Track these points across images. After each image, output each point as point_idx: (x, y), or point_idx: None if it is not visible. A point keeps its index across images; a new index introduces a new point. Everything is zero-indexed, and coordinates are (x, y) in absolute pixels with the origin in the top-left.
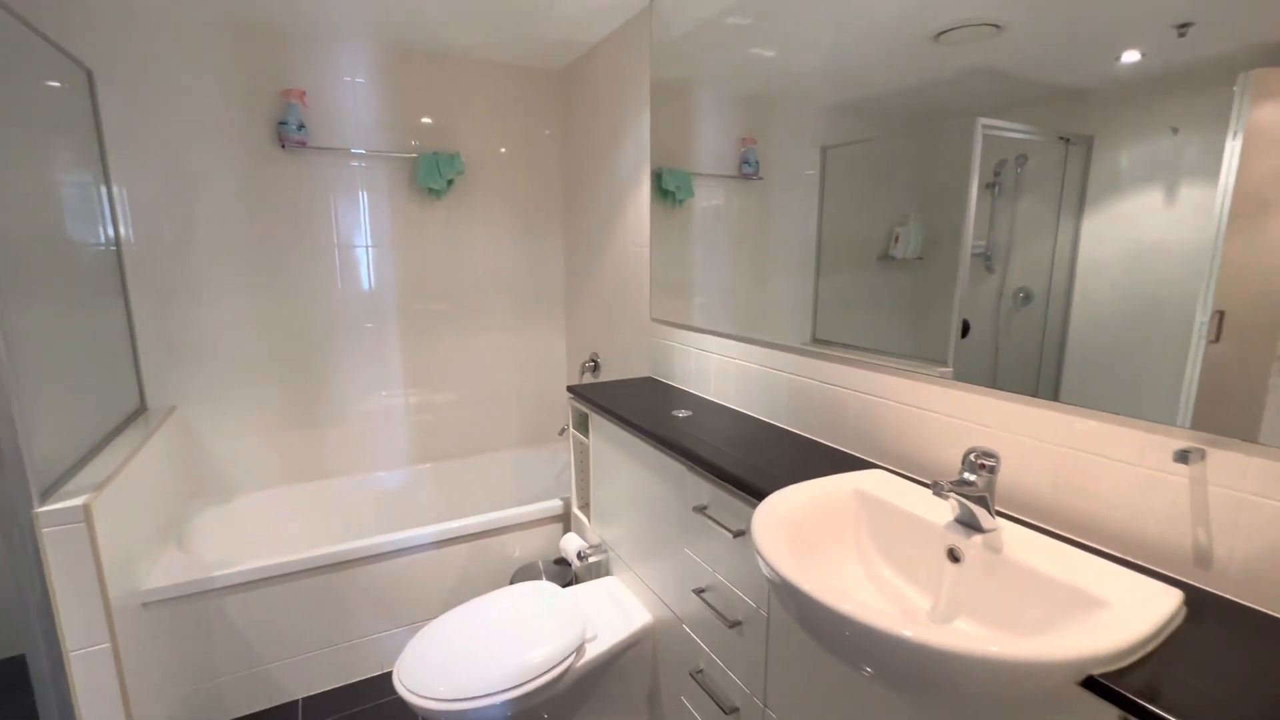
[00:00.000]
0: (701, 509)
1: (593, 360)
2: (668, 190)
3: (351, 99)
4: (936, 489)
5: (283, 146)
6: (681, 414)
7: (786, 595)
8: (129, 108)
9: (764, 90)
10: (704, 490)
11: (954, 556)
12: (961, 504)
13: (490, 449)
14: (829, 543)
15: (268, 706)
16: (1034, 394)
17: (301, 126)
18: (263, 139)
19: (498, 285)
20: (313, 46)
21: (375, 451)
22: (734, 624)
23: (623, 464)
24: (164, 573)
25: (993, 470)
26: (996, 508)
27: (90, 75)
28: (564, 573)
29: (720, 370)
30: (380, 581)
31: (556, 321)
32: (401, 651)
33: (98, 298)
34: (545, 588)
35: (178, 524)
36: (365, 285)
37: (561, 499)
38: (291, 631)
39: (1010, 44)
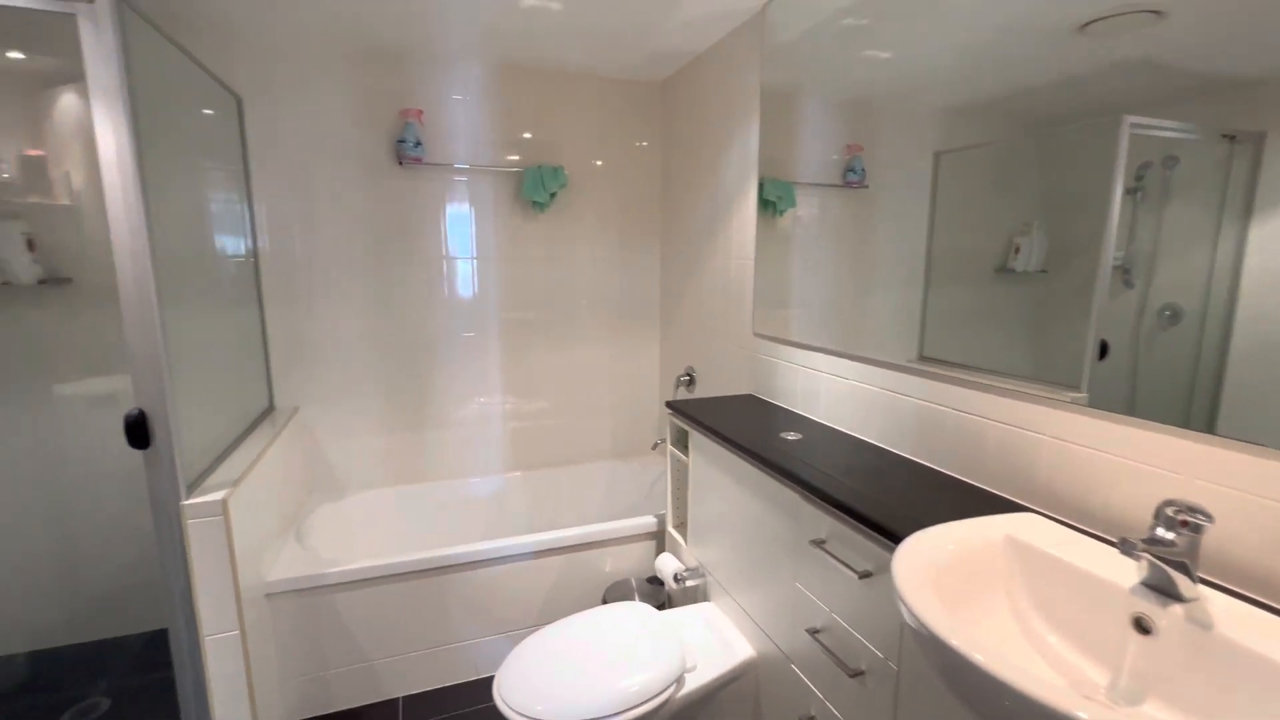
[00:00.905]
0: (819, 543)
1: (688, 375)
2: (768, 200)
3: (462, 116)
4: (1125, 548)
5: (400, 163)
6: (791, 436)
7: (935, 652)
8: (269, 131)
9: (874, 95)
10: (822, 523)
11: (1143, 627)
12: (1155, 566)
13: (582, 460)
14: (976, 595)
15: (371, 702)
16: (1184, 425)
17: (418, 144)
18: (382, 157)
19: (594, 297)
20: (429, 68)
21: (471, 457)
22: (855, 673)
23: (725, 485)
24: (285, 565)
25: (1198, 529)
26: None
27: (240, 102)
28: (657, 593)
29: (831, 390)
30: (478, 588)
31: (651, 334)
32: (501, 663)
33: (239, 306)
34: (641, 609)
35: (297, 518)
36: (468, 295)
37: (656, 516)
38: (395, 630)
39: (1171, 32)
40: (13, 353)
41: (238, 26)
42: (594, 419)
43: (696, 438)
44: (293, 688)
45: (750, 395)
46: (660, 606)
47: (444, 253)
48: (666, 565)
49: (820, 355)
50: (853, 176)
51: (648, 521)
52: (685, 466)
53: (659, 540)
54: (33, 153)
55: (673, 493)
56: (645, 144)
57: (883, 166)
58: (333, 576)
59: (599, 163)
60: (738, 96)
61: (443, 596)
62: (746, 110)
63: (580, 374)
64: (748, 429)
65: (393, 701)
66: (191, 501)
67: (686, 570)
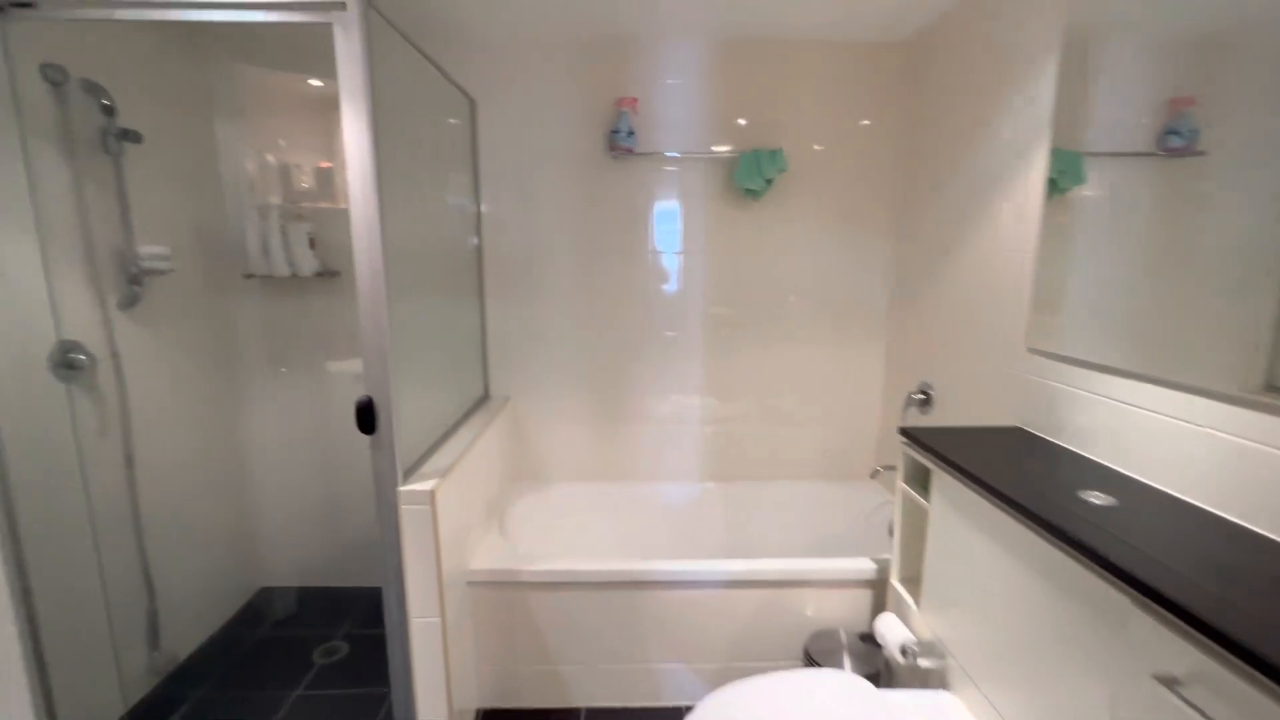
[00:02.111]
0: (1170, 682)
1: (922, 393)
2: (1048, 177)
3: (676, 102)
4: None
5: (612, 155)
6: (1096, 499)
7: None
8: (497, 130)
9: (1232, 23)
10: (1178, 652)
11: None
12: None
13: (785, 476)
14: None
15: (555, 706)
16: None
17: (630, 133)
18: (596, 149)
19: (809, 295)
20: (646, 52)
21: (668, 459)
22: None
23: (985, 549)
24: (487, 555)
25: None
26: None
27: (474, 104)
28: (871, 654)
29: (1155, 434)
30: (667, 609)
31: (875, 340)
32: (692, 715)
33: (463, 299)
34: (857, 686)
35: (502, 504)
36: (672, 290)
37: (875, 562)
38: (582, 637)
39: None
40: (299, 332)
41: (474, 30)
42: (801, 431)
43: (942, 478)
44: (487, 675)
45: (1018, 429)
46: (873, 676)
47: (650, 246)
48: (890, 631)
49: (1137, 384)
50: (1175, 141)
51: (864, 567)
52: (922, 511)
53: (878, 592)
54: (324, 164)
55: (901, 540)
56: (873, 122)
57: (1228, 126)
58: (527, 575)
59: (819, 147)
60: (1022, 44)
61: (631, 611)
62: (1035, 59)
63: (789, 379)
64: (1023, 479)
65: (575, 711)
66: (406, 488)
67: (918, 645)
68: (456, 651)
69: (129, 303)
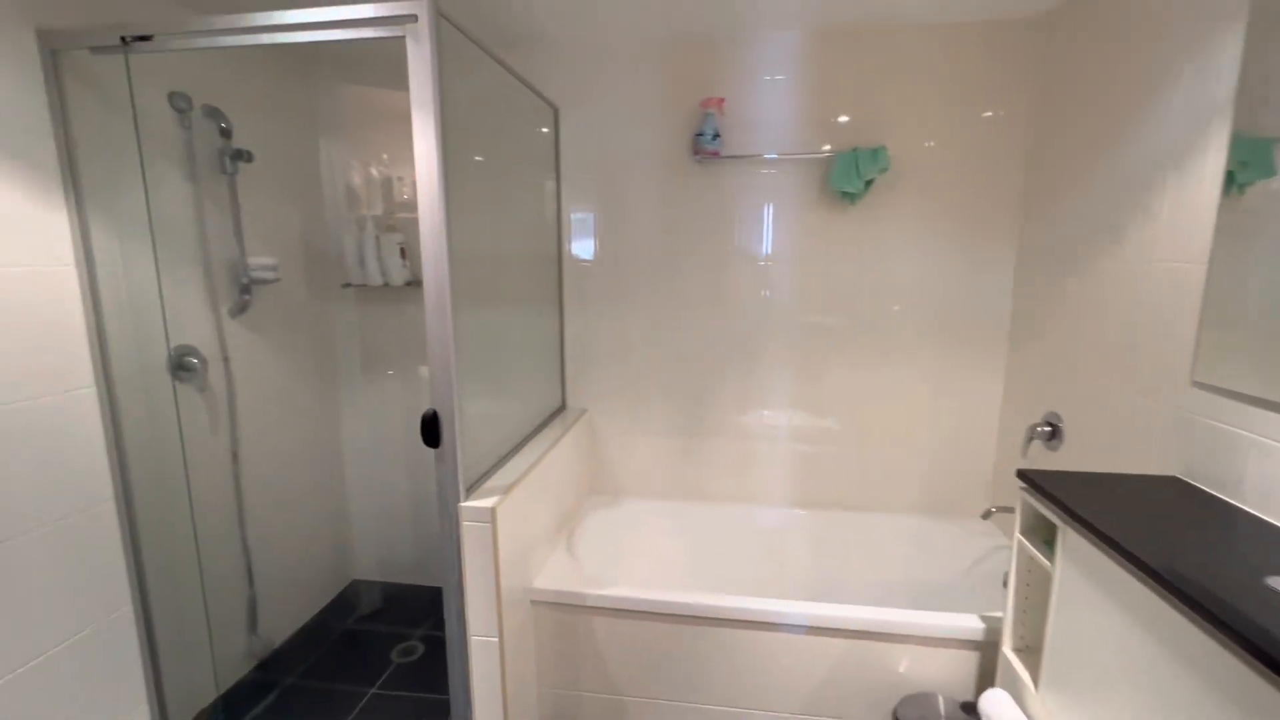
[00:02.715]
0: None
1: (1049, 425)
2: (1225, 169)
3: (766, 101)
4: None
5: (696, 159)
6: None
7: None
8: (580, 137)
9: None
10: None
11: None
12: None
13: (880, 507)
14: None
15: None
16: None
17: (716, 136)
18: (680, 153)
19: (914, 307)
20: (733, 48)
21: (749, 480)
22: None
23: (1129, 634)
24: (552, 573)
25: None
26: None
27: (557, 112)
28: None
29: None
30: (741, 650)
31: (993, 360)
32: None
33: (543, 308)
34: None
35: (573, 518)
36: (760, 297)
37: (984, 620)
38: (647, 670)
39: None
40: (392, 339)
41: (556, 38)
42: (901, 458)
43: (1073, 537)
44: (548, 697)
45: (1176, 480)
46: None
47: (736, 252)
48: (1001, 711)
49: None
50: None
51: (971, 625)
52: (1044, 572)
53: (985, 656)
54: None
55: (1017, 601)
56: (997, 113)
57: None
58: (592, 599)
59: (929, 143)
60: (1196, 7)
61: (701, 648)
62: (1215, 27)
63: (890, 399)
64: (1187, 551)
65: None
66: (467, 504)
67: None
68: (515, 671)
69: (239, 310)
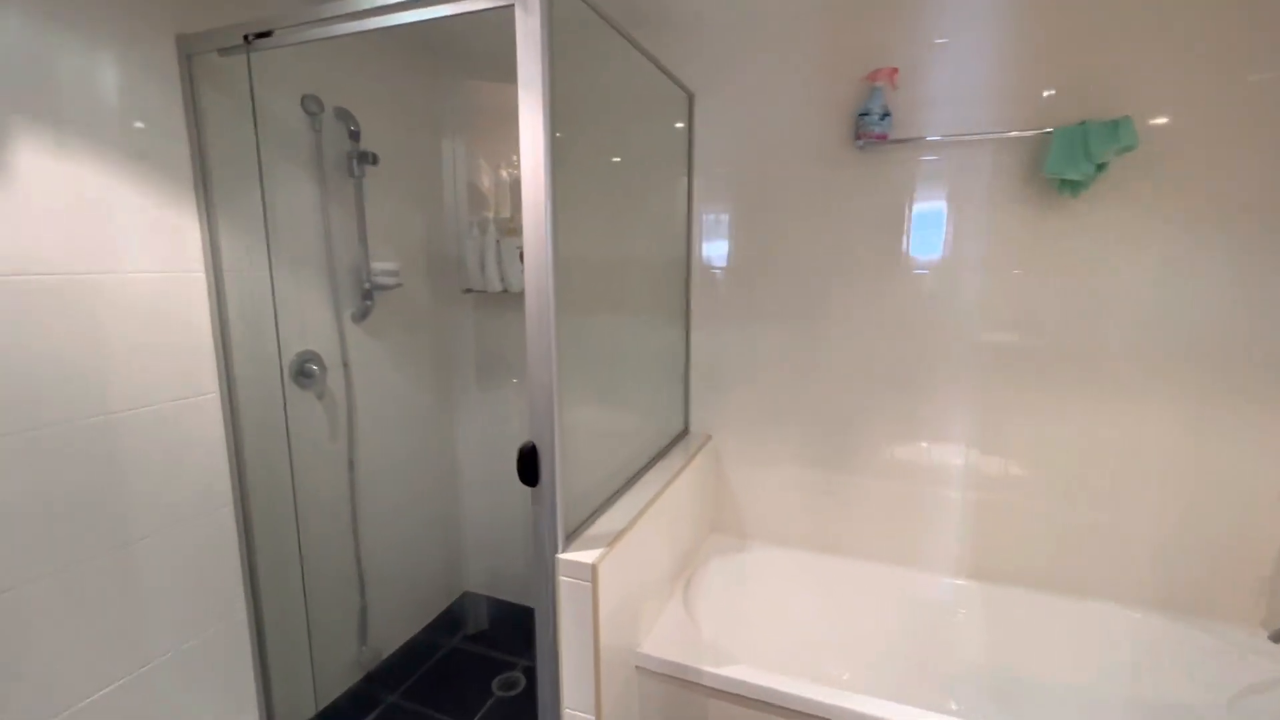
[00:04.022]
0: None
1: None
2: None
3: (952, 68)
4: None
5: (858, 144)
6: None
7: None
8: (716, 125)
9: None
10: None
11: None
12: None
13: (1091, 591)
14: None
15: None
16: None
17: (885, 115)
18: (837, 140)
19: (1156, 332)
20: (911, 6)
21: (905, 534)
22: None
23: None
24: (662, 634)
25: None
26: None
27: (691, 98)
28: None
29: None
30: None
31: (1273, 410)
32: None
33: (666, 322)
34: None
35: (692, 563)
36: (933, 310)
37: None
38: None
39: None
40: (512, 347)
41: (692, 12)
42: (1126, 527)
43: None
44: None
45: None
46: None
47: (901, 256)
48: None
49: None
50: None
51: None
52: None
53: None
54: None
55: None
56: (1265, 77)
57: None
58: (708, 677)
59: (1183, 117)
60: None
61: None
62: None
63: (1109, 446)
64: None
65: None
66: (565, 557)
67: None
68: None
69: (361, 316)
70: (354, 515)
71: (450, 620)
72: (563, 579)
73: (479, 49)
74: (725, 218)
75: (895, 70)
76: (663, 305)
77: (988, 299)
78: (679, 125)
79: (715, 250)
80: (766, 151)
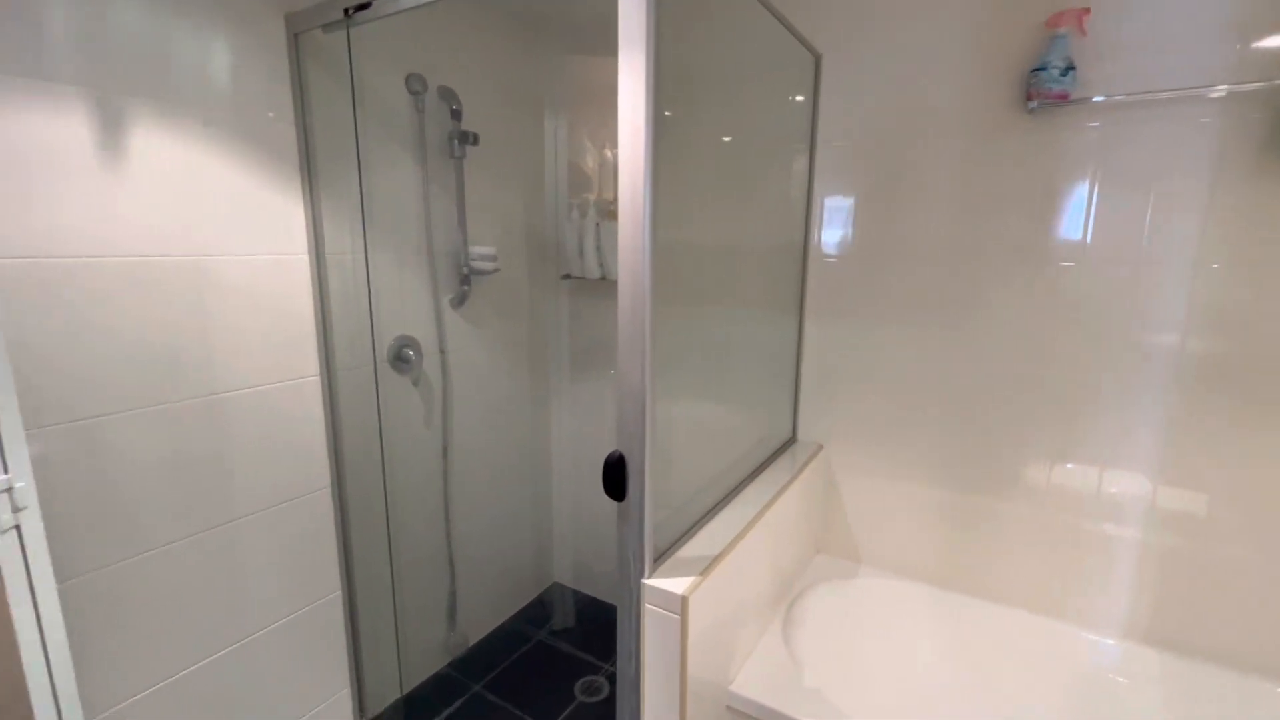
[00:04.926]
0: None
1: None
2: None
3: (1158, 6)
4: None
5: (1029, 107)
6: None
7: None
8: (847, 91)
9: None
10: None
11: None
12: None
13: None
14: None
15: None
16: None
17: (1069, 70)
18: (998, 104)
19: None
20: None
21: (1060, 580)
22: None
23: None
24: (759, 673)
25: None
26: None
27: (818, 61)
28: None
29: None
30: None
31: None
32: None
33: (776, 316)
34: None
35: (795, 587)
36: (1113, 308)
37: None
38: None
39: None
40: (609, 337)
41: None
42: None
43: None
44: None
45: None
46: None
47: (1072, 244)
48: None
49: None
50: None
51: None
52: None
53: None
54: None
55: None
56: None
57: None
58: None
59: None
60: None
61: None
62: None
63: None
64: None
65: None
66: (652, 583)
67: None
68: None
69: (459, 301)
70: (446, 501)
71: (538, 611)
72: (648, 607)
73: (584, 19)
74: (850, 199)
75: (1086, 11)
76: (772, 297)
77: (1201, 295)
78: (800, 95)
79: (837, 236)
80: (905, 120)
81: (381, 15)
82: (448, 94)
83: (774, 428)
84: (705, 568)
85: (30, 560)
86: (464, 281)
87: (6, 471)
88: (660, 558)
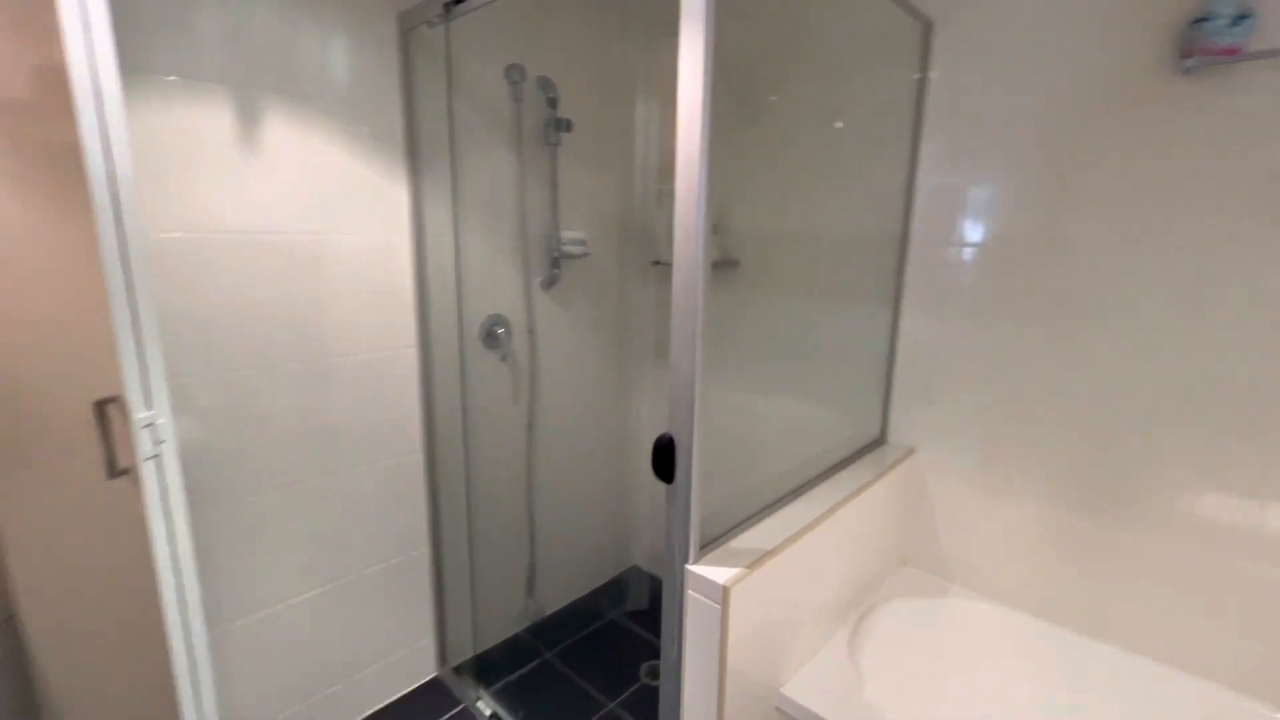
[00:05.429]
0: None
1: None
2: None
3: None
4: None
5: (1183, 67)
6: None
7: None
8: (956, 65)
9: None
10: None
11: None
12: None
13: None
14: None
15: None
16: None
17: (1242, 18)
18: (1143, 65)
19: None
20: None
21: (1205, 629)
22: None
23: None
24: (815, 680)
25: None
26: None
27: (928, 27)
28: None
29: None
30: None
31: None
32: None
33: (865, 307)
34: None
35: (868, 599)
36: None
37: None
38: None
39: None
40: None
41: None
42: None
43: None
44: None
45: None
46: None
47: (1238, 231)
48: None
49: None
50: None
51: None
52: None
53: None
54: None
55: None
56: None
57: None
58: None
59: None
60: None
61: None
62: None
63: None
64: None
65: None
66: (695, 569)
67: None
68: None
69: (549, 284)
70: (529, 475)
71: (615, 591)
72: (691, 594)
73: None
74: (959, 181)
75: None
76: (865, 287)
77: None
78: (905, 67)
79: (945, 223)
80: (1028, 90)
81: (476, 6)
82: (545, 83)
83: (858, 426)
84: (754, 561)
85: (167, 484)
86: (554, 264)
87: (151, 408)
88: (710, 545)
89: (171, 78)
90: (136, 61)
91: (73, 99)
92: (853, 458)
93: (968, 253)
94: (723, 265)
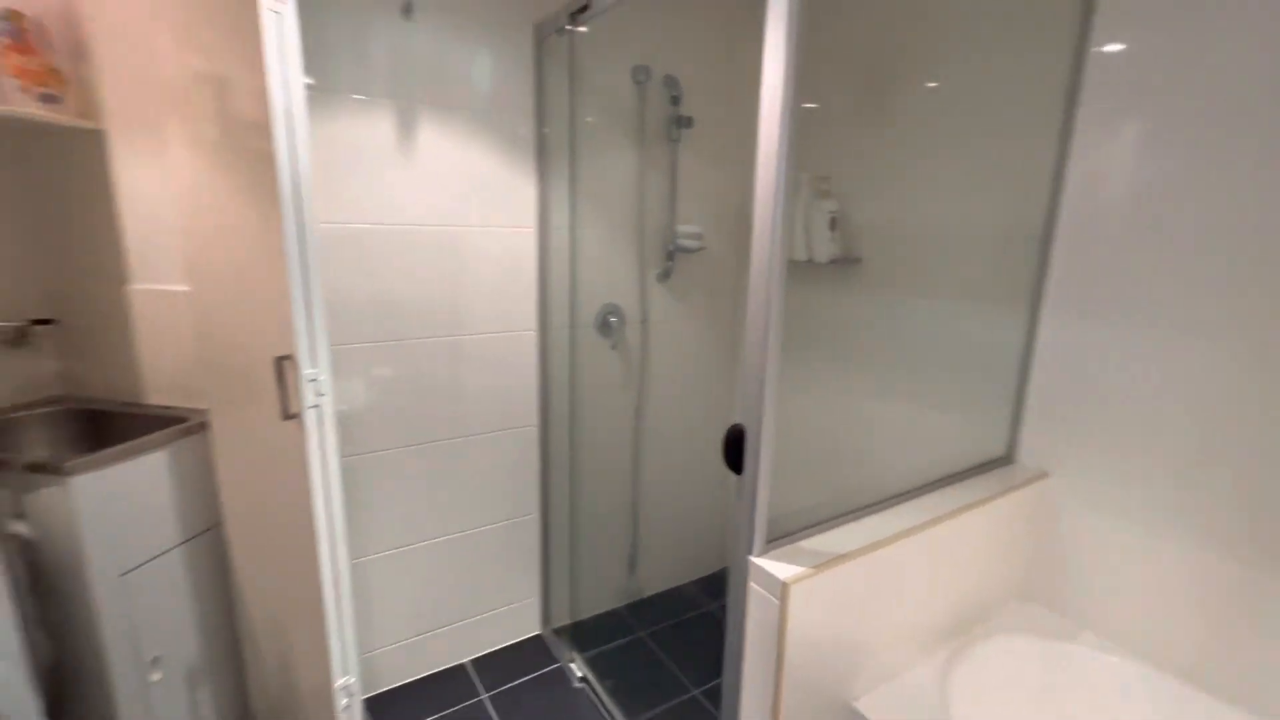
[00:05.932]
0: None
1: None
2: None
3: None
4: None
5: None
6: None
7: None
8: (1134, 27)
9: None
10: None
11: None
12: None
13: None
14: None
15: None
16: None
17: None
18: None
19: None
20: None
21: None
22: None
23: None
24: (889, 700)
25: None
26: None
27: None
28: None
29: None
30: None
31: None
32: None
33: (999, 307)
34: None
35: (973, 631)
36: None
37: None
38: None
39: None
40: (810, 322)
41: None
42: None
43: None
44: None
45: None
46: None
47: None
48: None
49: None
50: None
51: None
52: None
53: None
54: None
55: None
56: None
57: None
58: None
59: None
60: None
61: None
62: None
63: None
64: None
65: None
66: (757, 561)
67: None
68: None
69: (664, 276)
70: (635, 460)
71: (716, 585)
72: (752, 586)
73: None
74: (1114, 172)
75: None
76: (997, 288)
77: None
78: (1057, 37)
79: (1091, 218)
80: (1219, 65)
81: (600, 12)
82: (670, 82)
83: (978, 441)
84: (823, 562)
85: (325, 431)
86: (669, 257)
87: (315, 366)
88: (779, 540)
89: (356, 96)
90: (324, 84)
91: (270, 116)
92: (966, 474)
93: (1137, 250)
94: (842, 262)
